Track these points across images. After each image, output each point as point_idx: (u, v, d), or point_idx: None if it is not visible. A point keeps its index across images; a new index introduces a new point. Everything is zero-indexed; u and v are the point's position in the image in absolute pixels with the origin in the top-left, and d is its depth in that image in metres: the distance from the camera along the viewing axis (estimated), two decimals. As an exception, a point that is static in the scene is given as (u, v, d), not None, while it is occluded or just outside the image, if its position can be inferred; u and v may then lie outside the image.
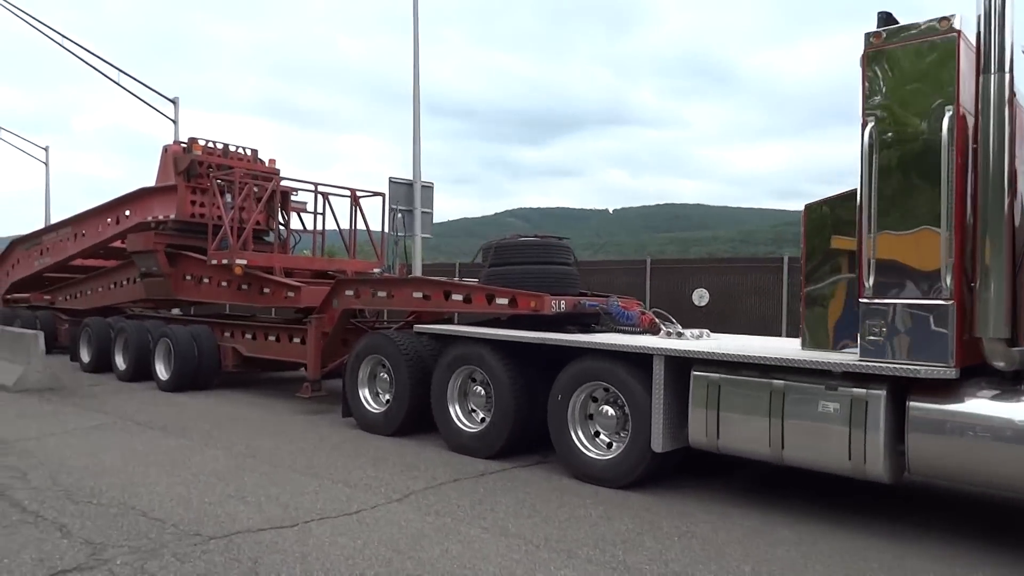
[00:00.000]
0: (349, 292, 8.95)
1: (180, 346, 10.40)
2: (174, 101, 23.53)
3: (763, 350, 5.32)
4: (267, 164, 13.09)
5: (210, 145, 12.65)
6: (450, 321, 8.42)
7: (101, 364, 12.50)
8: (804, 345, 5.45)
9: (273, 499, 5.34)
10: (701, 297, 14.45)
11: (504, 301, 7.30)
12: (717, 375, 5.30)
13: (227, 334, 11.00)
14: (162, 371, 10.82)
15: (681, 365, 5.51)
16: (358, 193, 11.63)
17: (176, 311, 17.60)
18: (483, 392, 6.84)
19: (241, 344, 10.65)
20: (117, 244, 15.16)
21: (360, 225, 11.71)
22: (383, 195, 11.83)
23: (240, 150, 13.00)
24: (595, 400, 6.08)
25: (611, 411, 5.90)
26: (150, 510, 5.04)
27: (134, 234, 12.69)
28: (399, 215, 10.23)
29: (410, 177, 15.08)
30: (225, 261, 10.33)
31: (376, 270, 11.96)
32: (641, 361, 5.66)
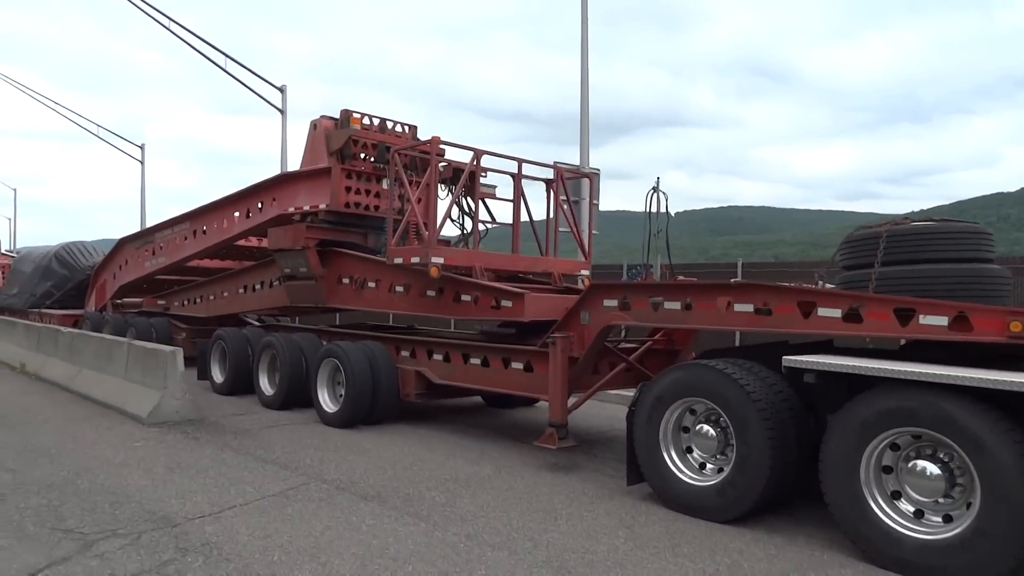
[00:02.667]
0: (611, 302, 6.37)
1: (353, 369, 8.03)
2: (282, 89, 21.73)
3: None
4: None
5: (365, 121, 10.36)
6: (787, 348, 5.71)
7: (238, 385, 10.33)
8: None
9: None
10: None
11: (938, 321, 4.56)
12: None
13: (404, 353, 8.58)
14: (327, 400, 8.49)
15: None
16: (565, 173, 9.07)
17: (290, 319, 15.55)
18: (947, 476, 4.12)
19: (428, 367, 8.21)
20: (241, 242, 13.20)
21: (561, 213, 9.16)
22: (596, 173, 9.24)
23: (398, 127, 10.68)
24: None
25: None
26: None
27: (277, 229, 10.47)
28: (661, 194, 7.59)
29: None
30: (415, 260, 7.90)
31: (583, 272, 9.38)
32: None
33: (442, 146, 9.19)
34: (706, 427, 5.27)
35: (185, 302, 14.01)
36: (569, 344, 6.55)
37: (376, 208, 10.31)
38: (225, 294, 12.60)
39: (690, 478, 5.27)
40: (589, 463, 6.81)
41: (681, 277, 6.69)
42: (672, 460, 5.37)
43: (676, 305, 5.91)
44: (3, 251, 34.51)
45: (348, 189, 10.01)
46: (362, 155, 10.31)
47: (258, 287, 11.70)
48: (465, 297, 7.90)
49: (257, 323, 15.20)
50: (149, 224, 32.53)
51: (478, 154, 8.18)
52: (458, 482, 6.04)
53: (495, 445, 7.56)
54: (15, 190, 50.03)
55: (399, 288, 8.79)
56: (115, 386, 9.34)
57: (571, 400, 6.77)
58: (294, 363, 9.14)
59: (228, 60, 20.39)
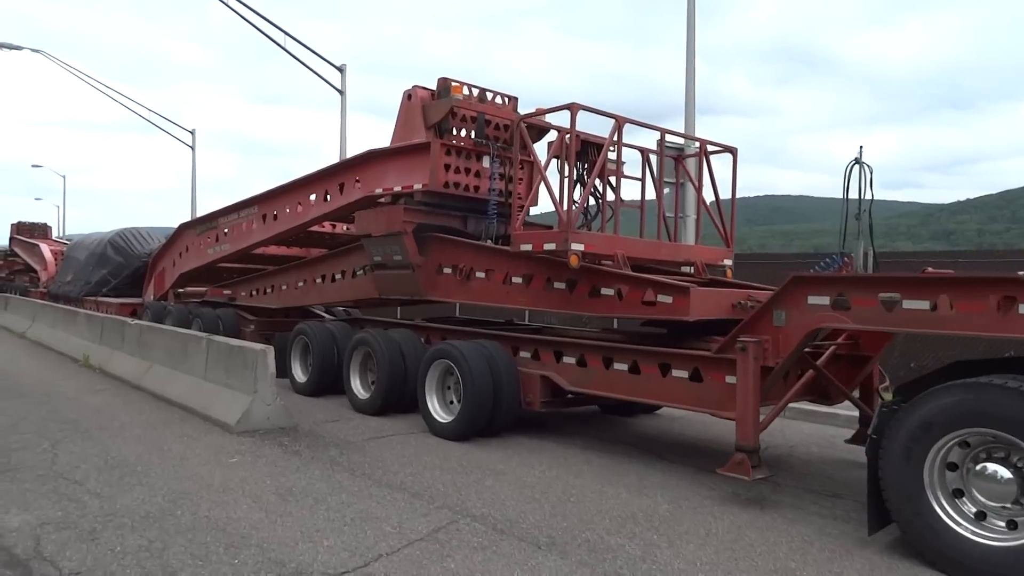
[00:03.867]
0: (818, 299, 5.11)
1: (472, 373, 6.90)
2: (341, 69, 20.72)
3: None
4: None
5: (464, 91, 9.21)
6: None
7: (323, 385, 9.32)
8: None
9: None
10: None
11: None
12: None
13: (524, 354, 7.43)
14: (436, 407, 7.38)
15: None
16: (708, 148, 7.80)
17: (360, 312, 14.53)
18: None
19: (556, 371, 7.04)
20: (315, 228, 12.18)
21: (708, 193, 7.91)
22: (735, 149, 7.96)
23: (497, 98, 9.50)
24: None
25: None
26: None
27: (367, 212, 9.41)
28: (865, 167, 6.30)
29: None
30: (550, 246, 6.73)
31: (726, 261, 8.12)
32: None
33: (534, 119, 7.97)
34: (994, 467, 4.01)
35: (254, 292, 13.08)
36: (762, 350, 5.32)
37: (476, 189, 9.17)
38: (300, 284, 11.60)
39: (972, 533, 4.02)
40: (780, 496, 5.58)
41: (930, 269, 5.40)
42: (943, 508, 4.13)
43: (922, 305, 4.63)
44: (55, 238, 34.33)
45: (447, 167, 8.89)
46: (461, 130, 9.21)
47: (338, 277, 10.66)
48: (606, 291, 6.71)
49: (328, 315, 14.28)
50: (200, 209, 32.14)
51: (620, 122, 6.95)
52: (637, 522, 4.87)
53: (646, 467, 6.37)
54: (64, 177, 50.22)
55: (516, 279, 7.64)
56: (192, 386, 8.38)
57: (766, 421, 5.53)
58: (393, 363, 8.06)
59: (287, 38, 19.41)
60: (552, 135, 8.51)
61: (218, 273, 14.96)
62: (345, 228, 13.20)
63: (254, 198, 12.55)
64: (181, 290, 15.02)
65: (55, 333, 14.30)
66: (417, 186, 8.96)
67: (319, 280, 11.09)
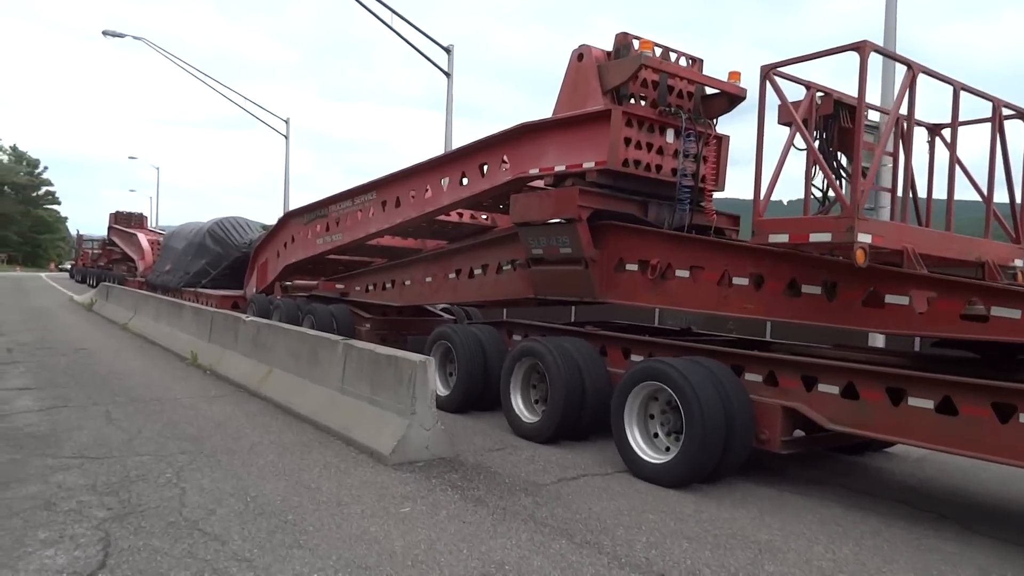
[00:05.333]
0: None
1: (700, 402, 5.25)
2: (448, 50, 19.41)
3: None
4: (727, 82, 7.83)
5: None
6: None
7: (470, 400, 7.88)
8: None
9: None
10: None
11: None
12: None
13: (752, 376, 5.74)
14: (641, 443, 5.76)
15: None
16: (1003, 110, 5.90)
17: (480, 313, 13.13)
18: None
19: (808, 402, 5.32)
20: (445, 216, 10.81)
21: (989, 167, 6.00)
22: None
23: (681, 59, 7.82)
24: None
25: None
26: None
27: (527, 196, 7.91)
28: None
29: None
30: (820, 237, 5.01)
31: (1017, 262, 6.21)
32: None
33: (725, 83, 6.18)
34: None
35: (370, 287, 11.82)
36: None
37: (657, 168, 7.53)
38: (428, 280, 10.22)
39: None
40: None
41: None
42: None
43: None
44: (151, 228, 34.65)
45: (627, 141, 7.28)
46: (637, 97, 7.61)
47: (478, 272, 9.21)
48: (894, 299, 4.96)
49: (448, 315, 12.94)
50: (292, 199, 31.64)
51: (916, 70, 5.13)
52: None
53: (961, 543, 4.60)
54: (158, 168, 51.34)
55: (740, 280, 5.96)
56: (326, 399, 7.06)
57: None
58: (571, 383, 6.51)
59: (394, 16, 18.21)
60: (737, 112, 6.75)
61: (324, 265, 13.86)
62: (471, 216, 11.84)
63: (372, 183, 11.30)
64: (289, 283, 13.95)
65: (159, 327, 13.46)
66: (588, 164, 7.40)
67: (452, 276, 9.67)
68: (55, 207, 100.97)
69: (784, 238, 5.21)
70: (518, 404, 7.07)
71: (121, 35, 25.73)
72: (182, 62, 26.45)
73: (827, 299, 5.34)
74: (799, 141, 5.53)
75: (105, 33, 25.36)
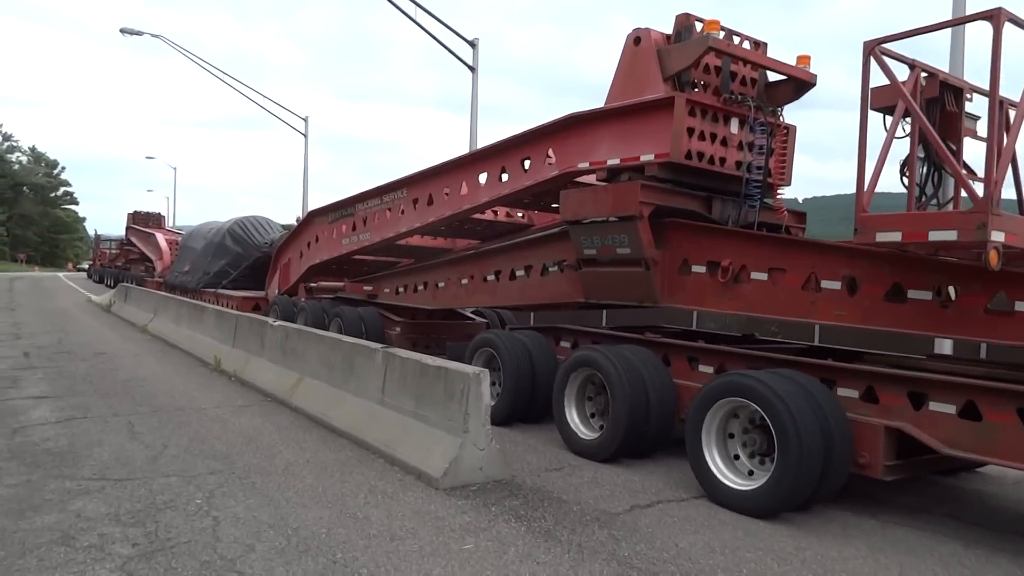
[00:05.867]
0: None
1: (797, 422, 4.63)
2: (473, 44, 18.84)
3: None
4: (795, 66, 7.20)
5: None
6: None
7: (517, 412, 7.30)
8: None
9: None
10: None
11: None
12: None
13: (847, 391, 5.11)
14: (722, 467, 5.14)
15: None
16: None
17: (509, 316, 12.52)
18: None
19: (917, 422, 4.69)
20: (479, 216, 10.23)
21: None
22: None
23: (745, 42, 7.20)
24: None
25: None
26: None
27: (580, 192, 7.32)
28: None
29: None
30: (944, 236, 4.37)
31: None
32: None
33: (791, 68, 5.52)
34: None
35: (400, 289, 11.27)
36: None
37: (721, 161, 6.92)
38: (464, 281, 9.64)
39: None
40: None
41: None
42: None
43: None
44: (169, 228, 34.39)
45: (690, 132, 6.67)
46: (701, 83, 7.01)
47: (520, 274, 8.62)
48: (1026, 306, 4.33)
49: (480, 318, 12.36)
50: (311, 199, 31.19)
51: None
52: None
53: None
54: (175, 169, 51.22)
55: (830, 284, 5.33)
56: (365, 413, 6.50)
57: None
58: (635, 397, 5.90)
59: (418, 9, 17.68)
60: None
61: (349, 266, 13.34)
62: (507, 214, 11.27)
63: (402, 180, 10.76)
64: (313, 284, 13.44)
65: (179, 330, 12.99)
66: (646, 157, 6.79)
67: (491, 277, 9.10)
68: (73, 207, 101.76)
69: (896, 236, 4.57)
70: (573, 419, 6.47)
71: (139, 33, 25.40)
72: (201, 60, 26.06)
73: (941, 306, 4.71)
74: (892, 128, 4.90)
75: (123, 31, 25.03)
